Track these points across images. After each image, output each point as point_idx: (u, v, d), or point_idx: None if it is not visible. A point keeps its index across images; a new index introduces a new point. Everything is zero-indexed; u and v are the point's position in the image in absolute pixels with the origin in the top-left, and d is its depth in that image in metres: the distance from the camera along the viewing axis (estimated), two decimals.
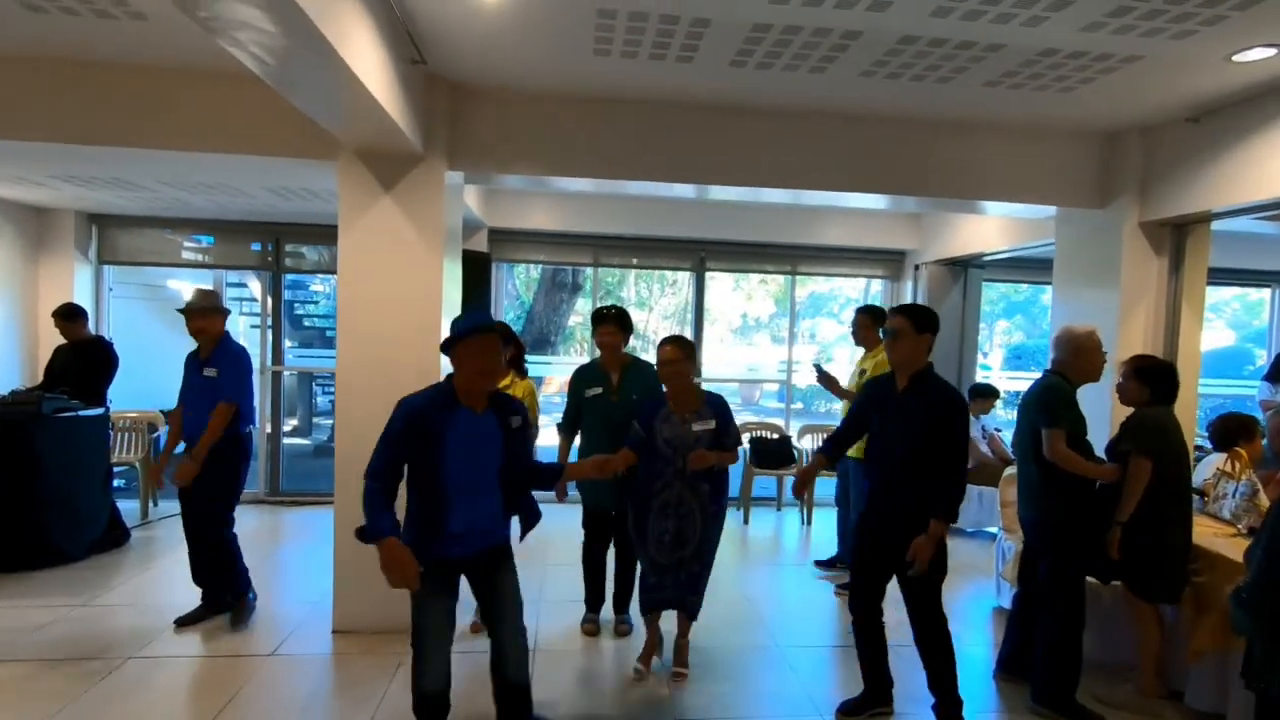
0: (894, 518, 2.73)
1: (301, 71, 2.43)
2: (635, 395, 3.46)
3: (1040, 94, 3.43)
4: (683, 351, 2.99)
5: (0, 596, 3.85)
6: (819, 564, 4.79)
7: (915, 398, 2.70)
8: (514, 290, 10.99)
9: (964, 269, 5.94)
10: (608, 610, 3.78)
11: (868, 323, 4.41)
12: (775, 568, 5.01)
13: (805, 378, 8.04)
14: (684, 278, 16.09)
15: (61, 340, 4.98)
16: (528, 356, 3.92)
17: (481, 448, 2.33)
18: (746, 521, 5.93)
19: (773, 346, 18.66)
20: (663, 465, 3.03)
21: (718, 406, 3.07)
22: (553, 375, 12.11)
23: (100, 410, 4.77)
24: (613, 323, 3.49)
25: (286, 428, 8.01)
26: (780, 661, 3.47)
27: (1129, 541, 2.90)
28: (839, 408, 4.78)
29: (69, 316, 4.92)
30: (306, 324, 9.82)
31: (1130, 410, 3.03)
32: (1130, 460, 2.89)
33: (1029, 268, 6.36)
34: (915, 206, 5.56)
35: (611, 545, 3.72)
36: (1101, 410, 3.72)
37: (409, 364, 3.45)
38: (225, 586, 3.68)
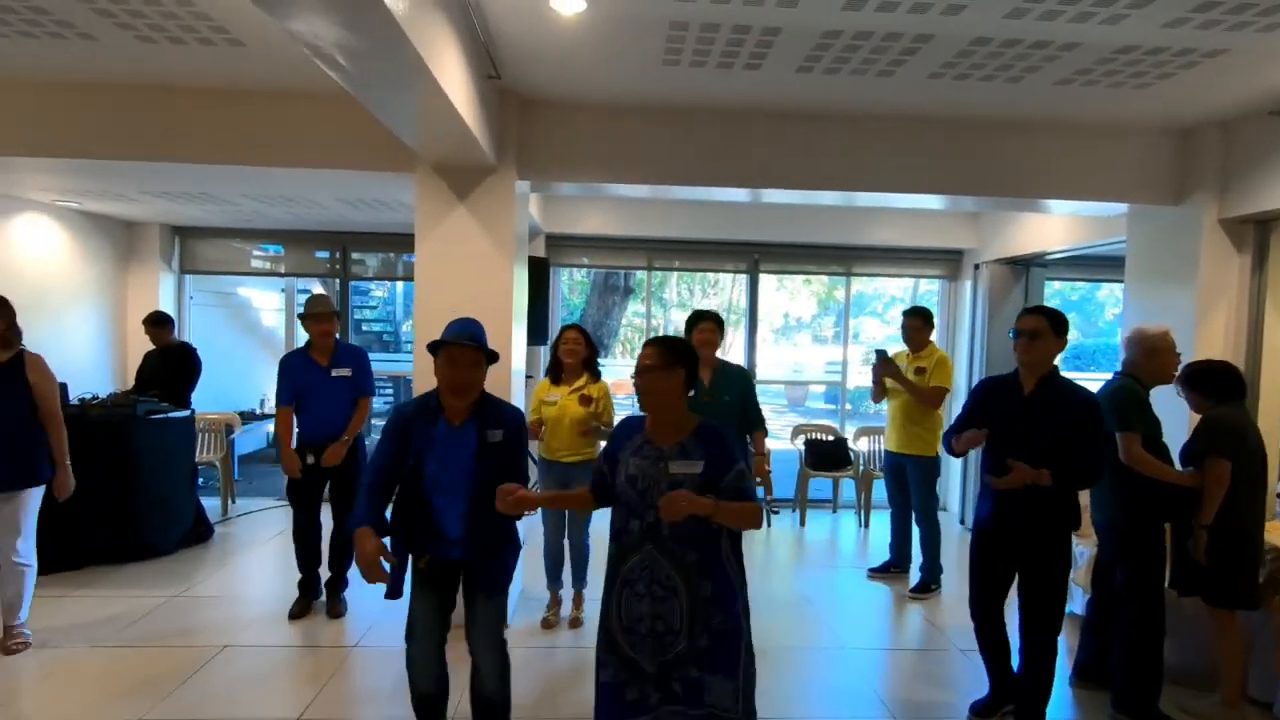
0: (1019, 521, 2.68)
1: (394, 91, 2.56)
2: (728, 397, 3.50)
3: (1115, 90, 3.37)
4: (667, 357, 2.03)
5: (101, 587, 4.12)
6: (873, 572, 4.70)
7: (1044, 401, 2.66)
8: (562, 295, 11.16)
9: (1026, 268, 5.83)
10: None
11: (918, 324, 4.42)
12: (833, 570, 5.01)
13: (859, 378, 8.00)
14: (726, 279, 16.12)
15: (149, 346, 5.28)
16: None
17: (457, 459, 2.25)
18: (803, 524, 5.93)
19: (814, 347, 18.49)
20: (624, 517, 2.05)
21: (711, 440, 2.03)
22: (607, 377, 12.25)
23: (187, 412, 5.05)
24: (711, 320, 3.55)
25: None
26: (847, 663, 3.49)
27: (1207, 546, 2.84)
28: (875, 409, 4.77)
29: (158, 323, 5.21)
30: (365, 328, 10.14)
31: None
32: (1208, 462, 2.82)
33: (1094, 265, 6.20)
34: (974, 206, 5.50)
35: None
36: (1178, 413, 3.62)
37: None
38: (340, 578, 3.92)
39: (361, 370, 3.86)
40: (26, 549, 3.31)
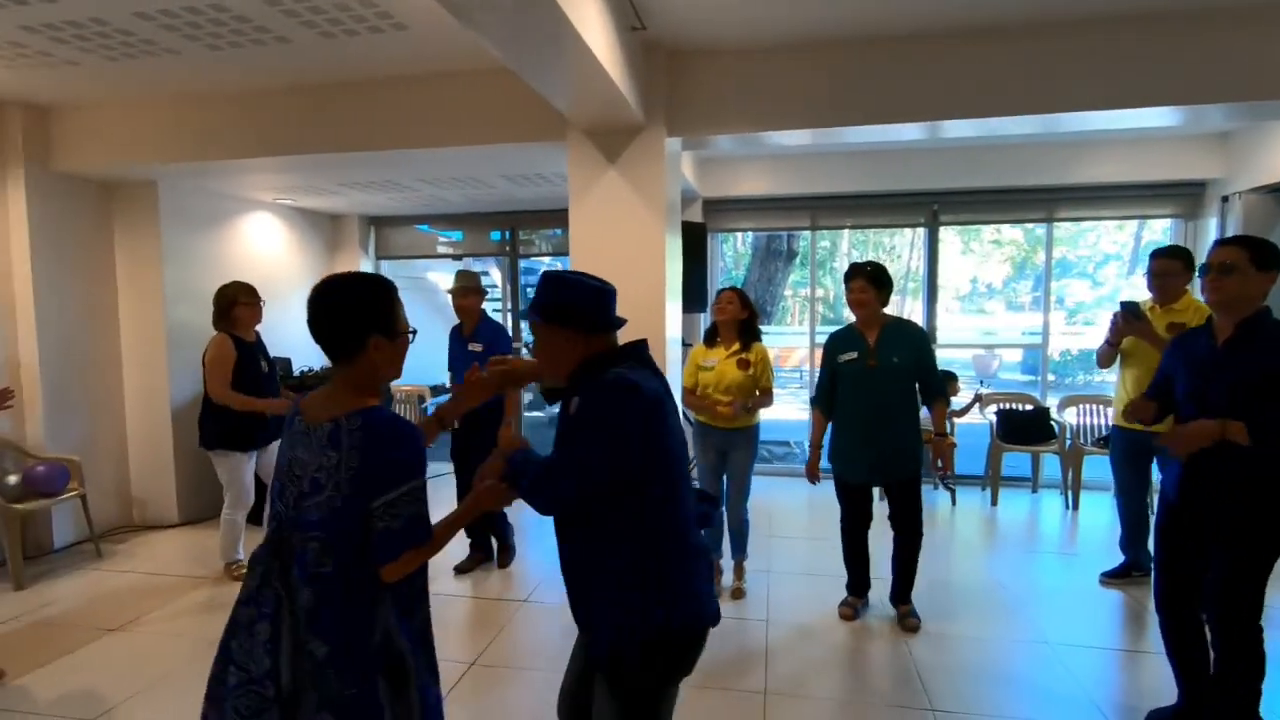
0: (1214, 496, 2.19)
1: (539, 48, 2.54)
2: (896, 359, 3.15)
3: None
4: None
5: None
6: (1107, 577, 3.82)
7: (1244, 349, 2.14)
8: (724, 265, 10.91)
9: None
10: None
11: (1176, 268, 3.42)
12: (1033, 555, 4.40)
13: (1062, 340, 6.94)
14: (902, 244, 14.90)
15: None
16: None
17: None
18: (994, 503, 5.30)
19: (1009, 314, 16.57)
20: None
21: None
22: (772, 347, 11.89)
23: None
24: (861, 277, 3.18)
25: (526, 400, 8.79)
26: (1053, 661, 3.02)
27: None
28: (1102, 378, 3.94)
29: None
30: None
31: None
32: None
33: None
34: (1224, 121, 4.49)
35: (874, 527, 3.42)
36: None
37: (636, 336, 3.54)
38: (500, 536, 4.16)
39: (493, 345, 3.92)
40: (226, 502, 3.87)
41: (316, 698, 1.40)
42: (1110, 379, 3.89)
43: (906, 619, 3.32)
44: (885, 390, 3.16)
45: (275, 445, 3.98)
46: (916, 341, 3.23)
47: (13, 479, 4.06)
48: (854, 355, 3.22)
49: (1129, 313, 3.34)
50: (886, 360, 3.16)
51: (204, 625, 3.36)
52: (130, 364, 4.90)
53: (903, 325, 3.29)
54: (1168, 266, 3.45)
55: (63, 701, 2.76)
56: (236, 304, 3.80)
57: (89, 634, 3.31)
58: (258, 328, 3.95)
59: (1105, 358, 3.66)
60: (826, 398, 3.33)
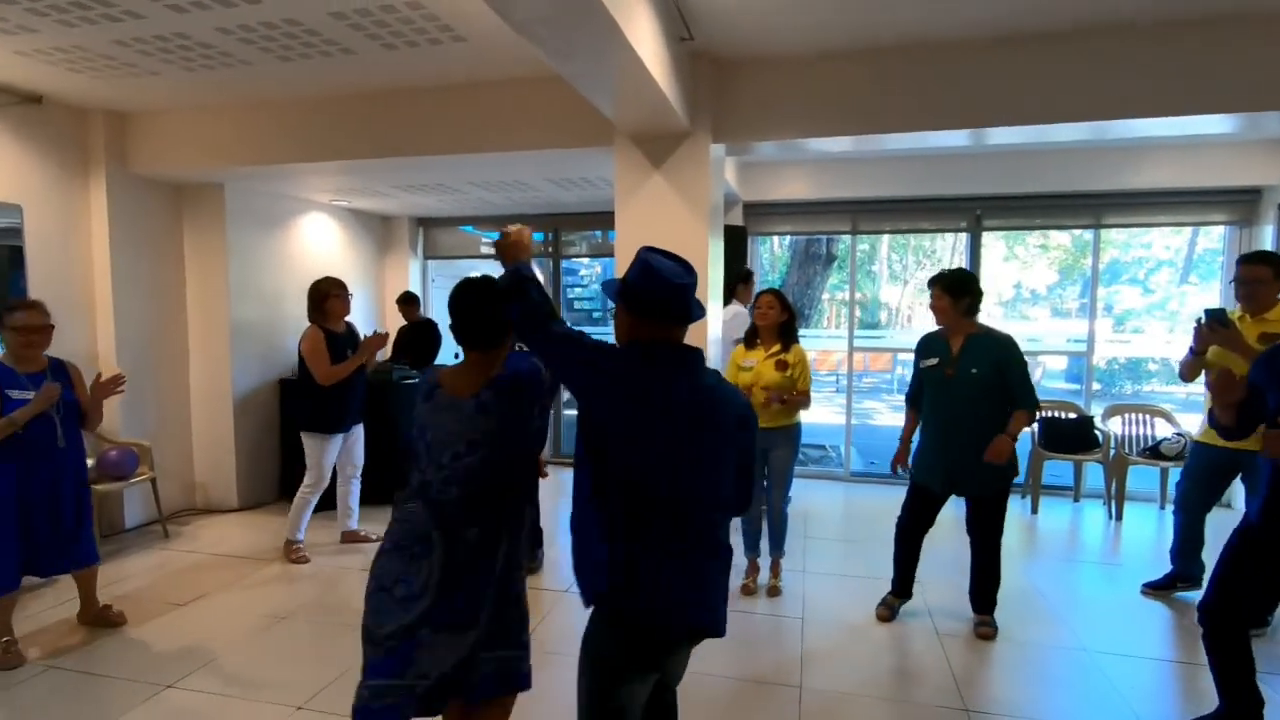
0: None
1: (592, 58, 2.66)
2: (975, 370, 3.12)
3: None
4: None
5: (379, 521, 4.88)
6: (1150, 588, 3.78)
7: None
8: (761, 268, 10.92)
9: None
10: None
11: (1265, 274, 3.21)
12: (1071, 564, 4.37)
13: (1109, 349, 6.77)
14: (943, 247, 14.67)
15: (402, 321, 6.14)
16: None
17: None
18: (1034, 510, 5.25)
19: (1054, 321, 16.16)
20: None
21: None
22: (809, 350, 11.82)
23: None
24: (937, 285, 3.19)
25: (566, 396, 8.94)
26: (1092, 669, 3.03)
27: None
28: (1150, 388, 3.85)
29: (406, 302, 6.05)
30: (577, 306, 10.88)
31: None
32: None
33: None
34: None
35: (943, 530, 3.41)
36: None
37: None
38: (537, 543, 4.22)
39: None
40: (305, 480, 4.17)
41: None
42: (1160, 389, 3.84)
43: (980, 626, 3.29)
44: (962, 400, 3.14)
45: (357, 432, 4.30)
46: (998, 354, 3.13)
47: (89, 462, 4.34)
48: (935, 361, 3.24)
49: (1214, 319, 3.10)
50: (964, 371, 3.14)
51: (266, 601, 3.55)
52: (196, 356, 5.17)
53: (990, 337, 3.21)
54: (1256, 273, 3.24)
55: (138, 669, 2.97)
56: (329, 297, 4.08)
57: (161, 608, 3.54)
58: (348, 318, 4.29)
59: (1189, 368, 3.42)
60: (916, 397, 3.38)
